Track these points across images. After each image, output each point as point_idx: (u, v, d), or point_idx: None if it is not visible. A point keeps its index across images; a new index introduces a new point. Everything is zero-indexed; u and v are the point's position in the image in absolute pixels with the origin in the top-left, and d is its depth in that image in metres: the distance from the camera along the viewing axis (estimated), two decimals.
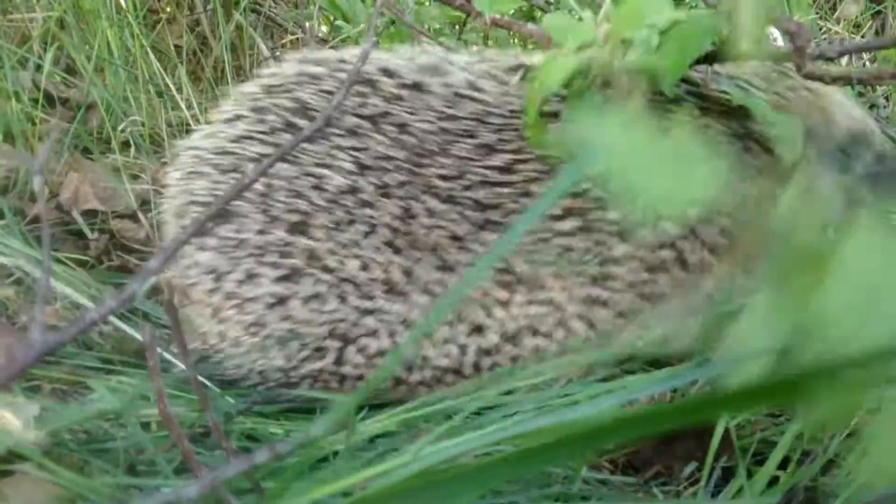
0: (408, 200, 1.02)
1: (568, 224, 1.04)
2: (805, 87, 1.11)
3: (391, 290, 1.03)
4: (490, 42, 2.08)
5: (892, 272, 0.39)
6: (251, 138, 1.05)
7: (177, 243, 0.58)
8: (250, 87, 1.11)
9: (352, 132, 1.03)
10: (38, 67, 1.78)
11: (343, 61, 1.09)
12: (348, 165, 1.02)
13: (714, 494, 0.95)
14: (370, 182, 1.02)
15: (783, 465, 0.90)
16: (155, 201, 1.57)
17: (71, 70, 1.86)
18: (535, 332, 1.06)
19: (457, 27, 2.13)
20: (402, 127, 1.03)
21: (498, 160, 1.03)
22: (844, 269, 0.38)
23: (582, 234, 1.04)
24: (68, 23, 1.83)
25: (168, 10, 2.11)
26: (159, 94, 1.81)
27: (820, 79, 0.98)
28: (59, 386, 0.98)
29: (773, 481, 0.89)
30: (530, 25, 1.07)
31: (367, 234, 1.02)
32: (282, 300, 1.02)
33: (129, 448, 0.83)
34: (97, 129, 1.72)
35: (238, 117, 1.08)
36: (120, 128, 1.68)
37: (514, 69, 1.08)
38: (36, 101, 1.67)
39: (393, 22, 1.86)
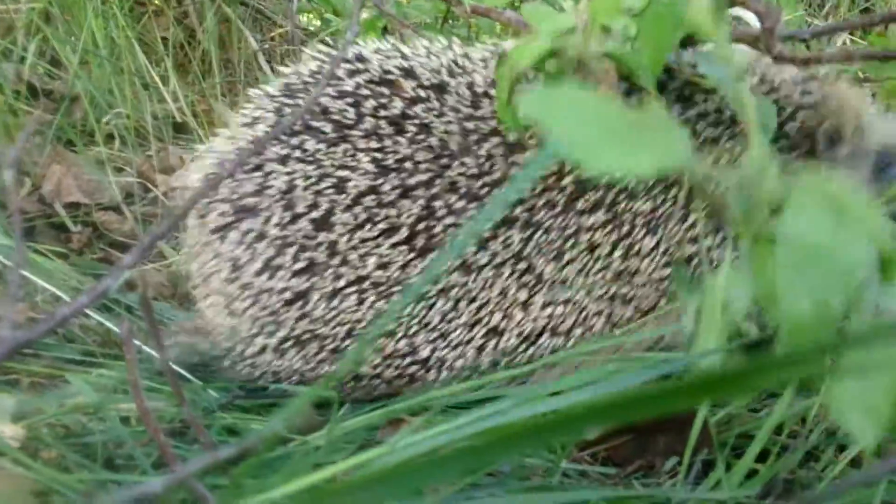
0: (429, 200, 1.01)
1: (594, 217, 1.02)
2: (836, 89, 1.11)
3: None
4: (475, 34, 2.08)
5: (833, 233, 0.39)
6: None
7: (151, 238, 0.58)
8: (270, 89, 1.10)
9: (373, 134, 1.02)
10: (22, 59, 1.76)
11: (362, 59, 1.07)
12: (370, 167, 1.01)
13: (694, 487, 0.95)
14: (392, 183, 1.01)
15: (764, 458, 0.90)
16: (139, 194, 1.57)
17: (55, 62, 1.85)
18: (555, 332, 1.06)
19: (448, 21, 2.13)
20: (425, 128, 1.03)
21: (521, 158, 1.02)
22: (789, 231, 0.38)
23: (609, 228, 1.03)
24: (53, 14, 1.81)
25: (156, 1, 2.10)
26: (145, 87, 1.81)
27: (791, 60, 0.97)
28: (37, 379, 0.97)
29: (753, 474, 0.89)
30: (508, 12, 1.06)
31: (386, 233, 1.01)
32: (300, 295, 1.01)
33: (108, 442, 0.83)
34: (81, 121, 1.71)
35: (257, 120, 1.07)
36: (104, 120, 1.67)
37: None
38: (19, 92, 1.66)
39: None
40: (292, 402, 0.59)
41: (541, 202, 1.02)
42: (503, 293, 1.03)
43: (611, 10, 0.87)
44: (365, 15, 1.92)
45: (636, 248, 1.04)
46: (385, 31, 1.91)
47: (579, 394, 0.70)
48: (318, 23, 2.37)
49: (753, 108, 0.52)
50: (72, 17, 1.82)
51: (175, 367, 0.91)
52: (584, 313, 1.06)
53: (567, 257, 1.03)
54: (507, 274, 1.03)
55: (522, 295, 1.03)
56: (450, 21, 2.15)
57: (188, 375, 0.96)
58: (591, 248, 1.03)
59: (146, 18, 1.97)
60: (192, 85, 1.96)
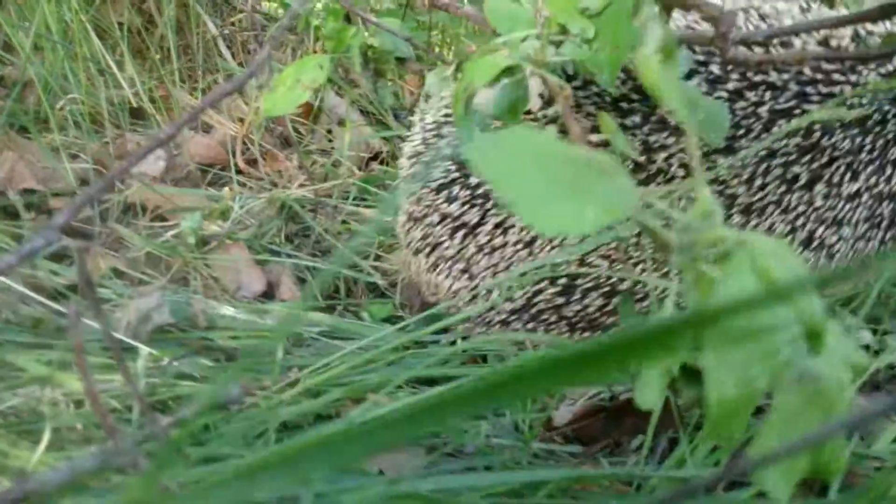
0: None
1: (788, 143, 1.01)
2: None
3: None
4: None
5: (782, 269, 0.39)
6: None
7: (83, 199, 0.55)
8: None
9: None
10: None
11: None
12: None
13: (659, 465, 0.95)
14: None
15: None
16: (95, 181, 1.53)
17: (7, 47, 1.80)
18: None
19: (412, 8, 2.11)
20: None
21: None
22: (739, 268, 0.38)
23: (806, 157, 1.01)
24: None
25: None
26: (101, 73, 1.76)
27: (744, 64, 0.96)
28: None
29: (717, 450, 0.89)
30: (468, 8, 1.04)
31: None
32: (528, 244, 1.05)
33: (60, 426, 0.80)
34: (34, 107, 1.66)
35: None
36: (58, 106, 1.63)
37: None
38: None
39: None
40: (230, 368, 0.57)
41: (740, 132, 1.01)
42: None
43: (568, 9, 0.86)
44: None
45: (837, 187, 1.02)
46: (347, 18, 1.89)
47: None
48: (282, 10, 2.34)
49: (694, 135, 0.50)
50: (24, 1, 1.77)
51: (129, 341, 0.88)
52: None
53: (758, 183, 1.01)
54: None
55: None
56: (413, 9, 2.13)
57: (146, 348, 0.92)
58: (786, 179, 1.01)
59: (99, 2, 1.92)
60: (150, 71, 1.91)
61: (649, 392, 0.49)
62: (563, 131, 0.89)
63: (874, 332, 1.06)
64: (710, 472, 0.86)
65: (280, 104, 1.16)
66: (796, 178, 1.02)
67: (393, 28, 1.72)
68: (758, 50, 1.00)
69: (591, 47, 0.85)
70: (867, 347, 1.05)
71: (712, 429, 0.43)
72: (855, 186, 1.03)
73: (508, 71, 0.88)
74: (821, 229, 1.04)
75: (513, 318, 1.12)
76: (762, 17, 1.06)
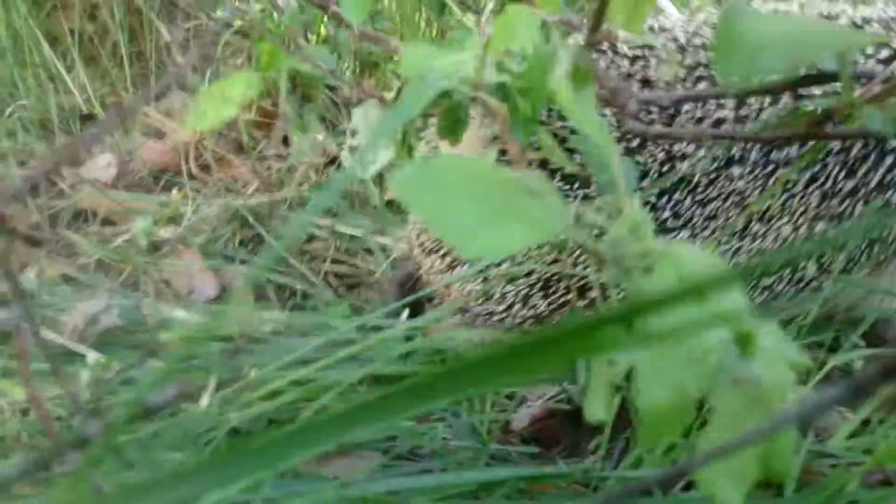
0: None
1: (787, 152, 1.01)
2: None
3: None
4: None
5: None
6: None
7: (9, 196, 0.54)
8: None
9: None
10: None
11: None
12: None
13: (617, 465, 0.95)
14: None
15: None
16: (45, 187, 1.50)
17: None
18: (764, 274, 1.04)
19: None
20: None
21: None
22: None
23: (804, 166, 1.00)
24: None
25: None
26: (51, 79, 1.73)
27: (642, 136, 0.96)
28: None
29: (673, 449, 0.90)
30: (395, 42, 1.02)
31: None
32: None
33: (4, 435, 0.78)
34: None
35: None
36: (7, 112, 1.60)
37: None
38: None
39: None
40: (163, 368, 0.56)
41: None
42: (727, 218, 1.02)
43: (509, 40, 0.84)
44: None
45: (833, 188, 1.02)
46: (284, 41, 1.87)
47: None
48: (239, 21, 2.32)
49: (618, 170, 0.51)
50: None
51: (73, 347, 0.86)
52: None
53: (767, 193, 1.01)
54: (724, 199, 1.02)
55: (739, 222, 1.02)
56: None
57: (93, 353, 0.89)
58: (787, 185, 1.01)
59: (50, 7, 1.89)
60: (102, 77, 1.88)
61: (597, 407, 0.49)
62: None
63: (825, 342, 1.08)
64: (666, 470, 0.86)
65: (204, 120, 1.13)
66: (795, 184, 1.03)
67: (321, 57, 1.69)
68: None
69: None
70: (821, 345, 1.06)
71: (644, 437, 0.43)
72: (852, 184, 1.03)
73: (447, 94, 0.86)
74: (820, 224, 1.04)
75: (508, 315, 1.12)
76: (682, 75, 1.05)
